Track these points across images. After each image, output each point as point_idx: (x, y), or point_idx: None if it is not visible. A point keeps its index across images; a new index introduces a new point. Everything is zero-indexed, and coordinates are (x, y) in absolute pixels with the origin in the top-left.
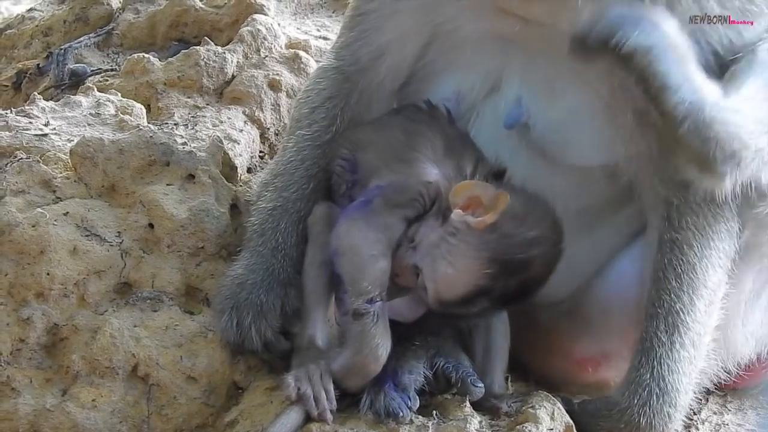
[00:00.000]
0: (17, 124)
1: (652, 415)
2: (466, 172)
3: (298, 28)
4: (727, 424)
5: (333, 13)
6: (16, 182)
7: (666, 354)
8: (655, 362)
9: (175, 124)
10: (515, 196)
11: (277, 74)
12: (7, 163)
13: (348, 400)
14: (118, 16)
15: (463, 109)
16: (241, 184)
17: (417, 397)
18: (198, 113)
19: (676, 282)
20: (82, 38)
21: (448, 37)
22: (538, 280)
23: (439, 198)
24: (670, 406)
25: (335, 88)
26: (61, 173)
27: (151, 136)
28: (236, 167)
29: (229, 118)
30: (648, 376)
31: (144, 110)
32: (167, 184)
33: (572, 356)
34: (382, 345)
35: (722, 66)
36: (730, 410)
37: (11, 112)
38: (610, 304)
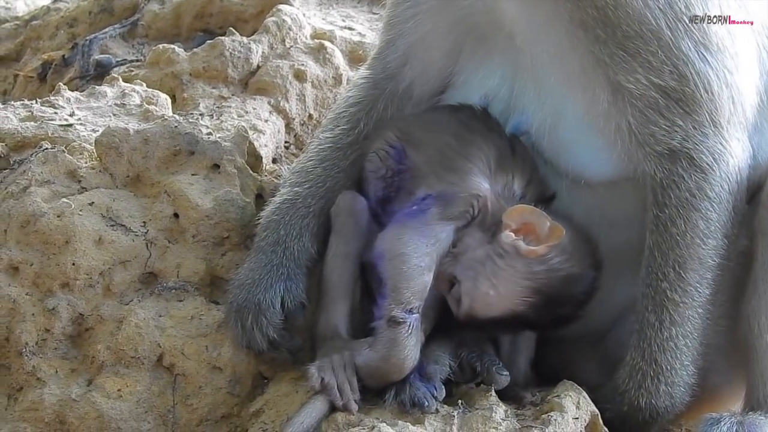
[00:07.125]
0: (42, 115)
1: (650, 396)
2: (515, 192)
3: (323, 19)
4: None
5: (358, 3)
6: (42, 172)
7: (655, 335)
8: (645, 344)
9: (200, 115)
10: (566, 230)
11: (303, 65)
12: (33, 154)
13: (373, 390)
14: (143, 6)
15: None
16: (266, 174)
17: (443, 386)
18: (223, 103)
19: (662, 259)
20: (107, 29)
21: (471, 35)
22: (571, 317)
23: (486, 212)
24: (666, 385)
25: (362, 94)
26: (86, 163)
27: (176, 126)
28: (261, 157)
29: (255, 109)
30: (640, 359)
31: (169, 101)
32: (192, 174)
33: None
34: (410, 357)
35: None
36: None
37: (36, 102)
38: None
